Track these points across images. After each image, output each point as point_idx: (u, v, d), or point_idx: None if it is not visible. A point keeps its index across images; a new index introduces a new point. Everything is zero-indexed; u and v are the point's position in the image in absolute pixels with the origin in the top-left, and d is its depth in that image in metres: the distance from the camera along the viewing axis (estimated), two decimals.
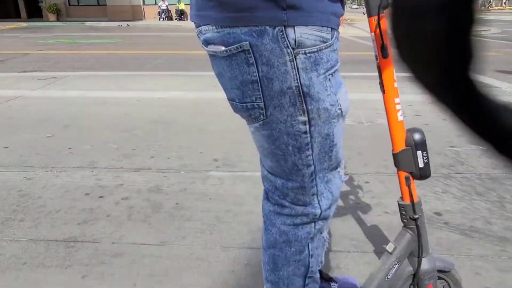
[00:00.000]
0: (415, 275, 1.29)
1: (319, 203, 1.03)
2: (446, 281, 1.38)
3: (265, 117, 0.91)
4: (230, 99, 0.97)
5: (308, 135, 0.93)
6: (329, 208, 1.06)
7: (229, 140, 3.24)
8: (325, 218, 1.08)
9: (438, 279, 1.34)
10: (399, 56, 0.20)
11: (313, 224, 1.06)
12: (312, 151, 0.96)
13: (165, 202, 2.31)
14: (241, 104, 0.93)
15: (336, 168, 1.04)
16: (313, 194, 1.02)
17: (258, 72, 0.86)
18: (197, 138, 3.36)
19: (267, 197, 1.11)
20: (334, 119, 0.95)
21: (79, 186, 2.52)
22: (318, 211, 1.03)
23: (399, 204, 1.27)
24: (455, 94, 0.18)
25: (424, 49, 0.18)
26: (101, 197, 2.39)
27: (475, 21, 0.16)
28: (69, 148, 3.16)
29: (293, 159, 0.96)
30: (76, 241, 1.98)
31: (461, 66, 0.17)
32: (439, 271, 1.33)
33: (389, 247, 1.28)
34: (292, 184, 1.01)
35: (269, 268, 1.13)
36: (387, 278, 1.27)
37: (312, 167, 0.98)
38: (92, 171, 2.74)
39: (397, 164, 1.19)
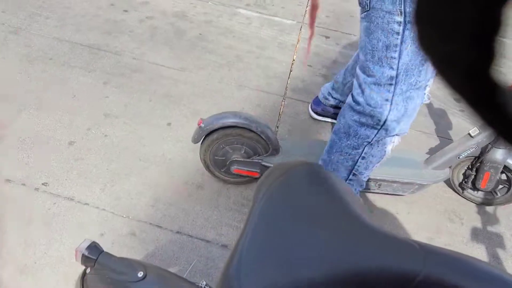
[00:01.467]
0: (479, 157, 1.33)
1: (389, 111, 1.04)
2: (509, 179, 1.40)
3: (368, 9, 0.95)
4: None
5: (400, 37, 0.94)
6: (396, 121, 1.06)
7: None
8: (388, 130, 1.09)
9: (501, 173, 1.37)
10: (422, 49, 0.19)
11: (375, 130, 1.10)
12: (400, 57, 0.96)
13: (188, 30, 2.27)
14: None
15: (424, 88, 1.05)
16: (386, 100, 1.03)
17: None
18: None
19: (349, 92, 1.17)
20: None
21: None
22: (383, 118, 1.06)
23: None
24: (477, 91, 0.18)
25: (452, 47, 0.18)
26: (125, 11, 2.33)
27: (504, 22, 0.16)
28: None
29: (380, 55, 0.98)
30: (99, 49, 2.03)
31: (486, 64, 0.17)
32: (506, 167, 1.34)
33: (473, 131, 1.31)
34: (370, 79, 1.03)
35: (327, 148, 1.24)
36: (458, 158, 1.34)
37: (394, 72, 0.99)
38: None
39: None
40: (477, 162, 1.35)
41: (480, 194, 1.49)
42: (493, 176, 1.35)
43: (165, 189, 1.45)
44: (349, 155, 1.18)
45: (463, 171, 1.45)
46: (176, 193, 1.44)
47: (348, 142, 1.15)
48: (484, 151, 1.32)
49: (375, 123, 1.08)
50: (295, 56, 2.21)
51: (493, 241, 1.42)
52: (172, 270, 1.03)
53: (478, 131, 1.29)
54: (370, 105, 1.06)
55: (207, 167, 1.43)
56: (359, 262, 0.36)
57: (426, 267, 0.37)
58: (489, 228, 1.46)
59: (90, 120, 1.67)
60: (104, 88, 1.83)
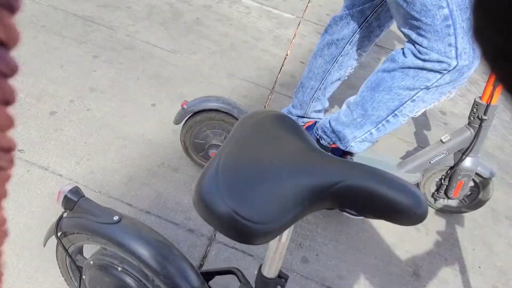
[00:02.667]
0: (452, 168, 1.37)
1: (457, 56, 0.98)
2: (478, 185, 1.44)
3: None
4: None
5: None
6: (467, 66, 0.99)
7: None
8: (455, 77, 1.02)
9: (472, 180, 1.41)
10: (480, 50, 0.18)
11: (439, 75, 1.02)
12: None
13: (186, 13, 2.26)
14: None
15: None
16: (449, 45, 0.97)
17: None
18: None
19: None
20: None
21: None
22: (454, 62, 0.99)
23: (475, 101, 1.27)
24: None
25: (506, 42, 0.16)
26: None
27: None
28: None
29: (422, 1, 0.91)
30: (93, 21, 2.02)
31: None
32: (477, 174, 1.39)
33: (445, 137, 1.34)
34: (424, 29, 0.96)
35: (370, 86, 1.15)
36: (429, 163, 1.37)
37: (446, 10, 0.92)
38: None
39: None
40: (450, 171, 1.38)
41: (450, 203, 1.52)
42: (466, 184, 1.40)
43: (141, 169, 1.46)
44: (398, 95, 1.10)
45: (434, 183, 1.48)
46: (151, 173, 1.46)
47: (403, 83, 1.07)
48: (457, 160, 1.35)
49: (442, 69, 1.01)
50: (289, 51, 2.21)
51: (455, 254, 1.46)
52: None
53: (449, 138, 1.33)
54: (434, 51, 0.99)
55: (186, 150, 1.44)
56: (304, 175, 0.52)
57: (347, 177, 0.52)
58: (452, 241, 1.50)
59: (75, 92, 1.67)
60: (93, 61, 1.82)
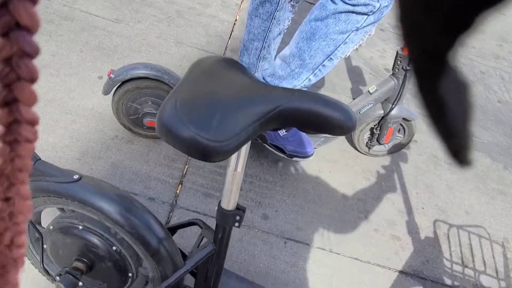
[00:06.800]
0: (383, 117, 1.49)
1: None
2: (404, 127, 1.59)
3: None
4: None
5: None
6: (386, 6, 1.12)
7: None
8: (377, 16, 1.14)
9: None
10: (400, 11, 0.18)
11: (366, 16, 1.13)
12: None
13: None
14: None
15: None
16: None
17: None
18: None
19: None
20: None
21: None
22: (377, 4, 1.10)
23: (397, 53, 1.38)
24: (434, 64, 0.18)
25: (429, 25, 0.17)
26: None
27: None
28: None
29: None
30: None
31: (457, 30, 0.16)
32: (403, 118, 1.52)
33: (372, 88, 1.44)
34: None
35: (305, 36, 1.21)
36: (359, 113, 1.46)
37: None
38: None
39: None
40: (381, 121, 1.51)
41: (382, 148, 1.66)
42: (395, 130, 1.55)
43: (94, 143, 1.43)
44: (333, 40, 1.19)
45: (365, 135, 1.59)
46: (104, 147, 1.43)
47: (337, 28, 1.16)
48: (387, 110, 1.47)
49: (369, 11, 1.12)
50: (238, 16, 2.19)
51: (401, 198, 1.59)
52: None
53: (376, 88, 1.43)
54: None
55: (121, 121, 1.41)
56: (251, 103, 0.60)
57: (286, 101, 0.60)
58: (398, 187, 1.63)
59: None
60: None
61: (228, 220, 0.76)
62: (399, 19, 0.18)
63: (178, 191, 1.38)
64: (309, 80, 1.28)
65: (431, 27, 0.17)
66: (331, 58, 1.23)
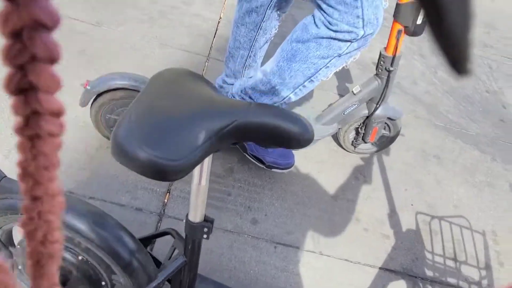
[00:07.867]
0: (368, 117, 1.49)
1: (363, 26, 1.06)
2: (389, 126, 1.59)
3: None
4: None
5: None
6: (371, 34, 1.10)
7: None
8: (362, 44, 1.12)
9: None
10: None
11: (349, 43, 1.11)
12: None
13: None
14: None
15: None
16: (357, 16, 1.04)
17: None
18: None
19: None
20: None
21: None
22: (361, 32, 1.07)
23: (380, 54, 1.37)
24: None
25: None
26: None
27: None
28: None
29: None
30: None
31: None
32: (388, 118, 1.52)
33: (355, 89, 1.43)
34: (335, 0, 1.01)
35: (286, 56, 1.19)
36: (343, 114, 1.46)
37: None
38: None
39: (396, 14, 1.24)
40: (366, 121, 1.52)
41: (368, 146, 1.66)
42: (380, 129, 1.55)
43: (78, 154, 1.41)
44: (314, 64, 1.17)
45: (350, 135, 1.61)
46: (89, 157, 1.41)
47: (318, 52, 1.14)
48: (372, 110, 1.47)
49: (352, 38, 1.10)
50: (222, 14, 2.15)
51: (390, 196, 1.60)
52: None
53: (360, 89, 1.43)
54: (344, 23, 1.06)
55: (102, 133, 1.39)
56: (206, 118, 0.59)
57: (240, 116, 0.59)
58: (387, 184, 1.63)
59: None
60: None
61: (196, 232, 0.77)
62: None
63: (166, 200, 1.37)
64: (289, 98, 1.27)
65: None
66: (311, 80, 1.22)
